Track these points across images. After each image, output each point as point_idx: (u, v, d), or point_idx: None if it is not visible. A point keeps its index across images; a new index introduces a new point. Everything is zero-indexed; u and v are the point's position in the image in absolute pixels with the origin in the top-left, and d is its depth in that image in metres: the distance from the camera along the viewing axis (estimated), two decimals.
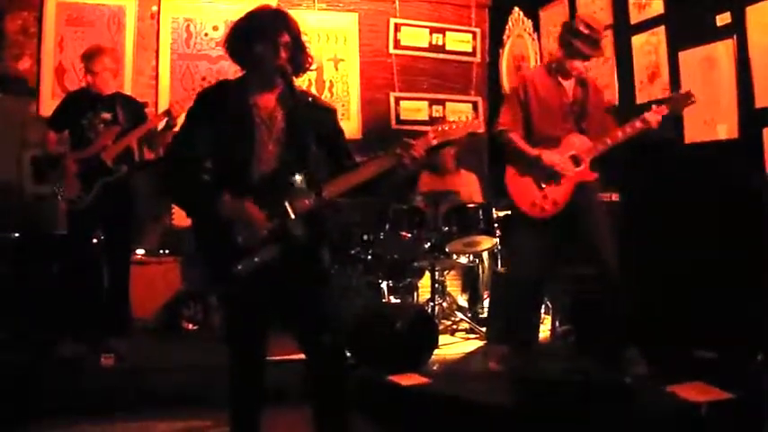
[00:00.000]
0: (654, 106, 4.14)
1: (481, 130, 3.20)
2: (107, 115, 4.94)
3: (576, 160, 4.14)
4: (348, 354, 4.32)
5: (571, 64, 4.20)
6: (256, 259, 2.73)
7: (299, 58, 2.88)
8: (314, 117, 2.89)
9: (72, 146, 4.95)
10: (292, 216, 2.77)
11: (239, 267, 2.72)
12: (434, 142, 2.91)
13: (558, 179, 4.13)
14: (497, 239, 5.60)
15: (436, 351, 4.63)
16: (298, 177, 2.81)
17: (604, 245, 4.13)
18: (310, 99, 2.95)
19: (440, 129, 2.92)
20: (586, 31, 4.13)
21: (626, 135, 4.09)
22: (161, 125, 5.08)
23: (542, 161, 4.12)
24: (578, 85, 4.28)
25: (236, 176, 2.79)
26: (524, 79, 4.38)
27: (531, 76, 4.36)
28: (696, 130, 4.80)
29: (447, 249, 5.53)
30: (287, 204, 2.77)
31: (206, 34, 6.66)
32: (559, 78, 4.26)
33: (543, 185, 4.16)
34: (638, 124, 4.08)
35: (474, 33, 7.53)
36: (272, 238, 2.74)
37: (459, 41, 7.51)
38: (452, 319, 5.72)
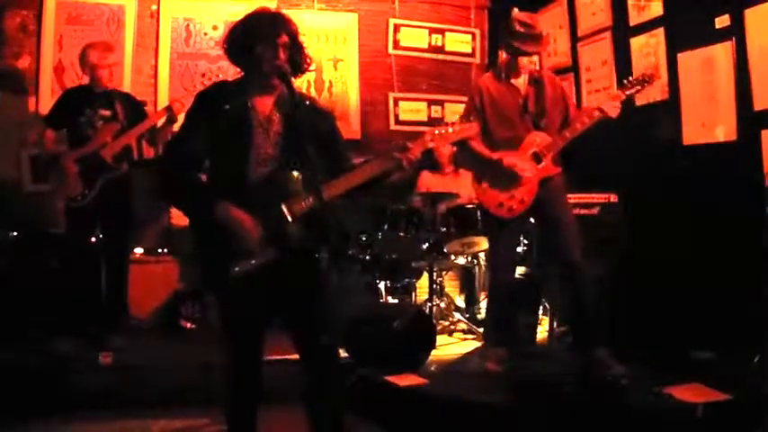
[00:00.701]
0: (610, 92, 4.14)
1: (475, 133, 3.23)
2: (106, 112, 4.95)
3: (537, 157, 4.16)
4: (346, 354, 4.34)
5: (518, 63, 4.23)
6: (253, 261, 2.74)
7: (298, 58, 2.89)
8: (311, 120, 2.89)
9: (70, 144, 4.95)
10: (289, 219, 2.78)
11: (236, 269, 2.73)
12: (431, 145, 2.93)
13: (520, 181, 4.15)
14: None
15: (434, 351, 4.62)
16: (295, 180, 2.82)
17: (570, 245, 4.13)
18: (308, 102, 2.96)
19: (436, 132, 2.94)
20: (522, 30, 4.17)
21: (585, 126, 4.09)
22: (161, 122, 5.09)
23: (503, 164, 4.15)
24: (531, 84, 4.29)
25: (232, 178, 2.80)
26: (478, 87, 4.41)
27: (483, 83, 4.40)
28: (694, 132, 4.81)
29: (445, 250, 5.54)
30: (283, 207, 2.78)
31: (205, 33, 6.66)
32: (511, 80, 4.28)
33: (509, 189, 4.18)
34: (595, 113, 4.08)
35: (473, 34, 7.53)
36: (268, 242, 2.75)
37: (459, 42, 7.51)
38: (450, 319, 5.72)
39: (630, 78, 4.23)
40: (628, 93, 4.16)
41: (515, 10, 4.36)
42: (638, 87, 4.18)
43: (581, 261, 4.09)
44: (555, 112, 4.27)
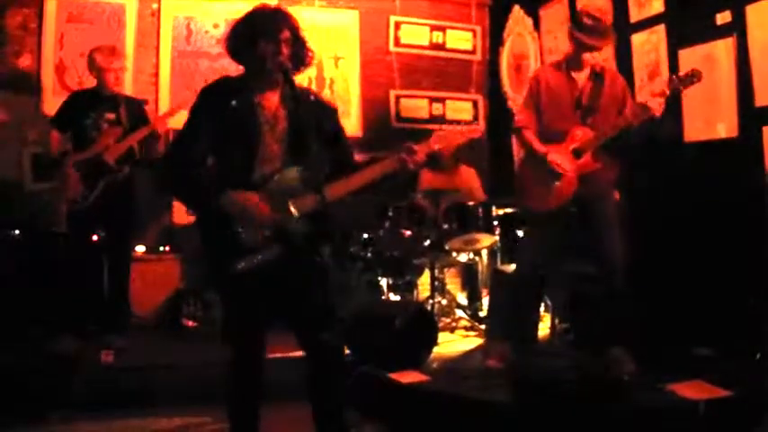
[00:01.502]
0: (653, 89, 4.06)
1: (480, 135, 3.24)
2: (110, 115, 5.02)
3: (577, 153, 4.12)
4: (348, 351, 4.34)
5: (582, 57, 4.18)
6: (258, 258, 2.74)
7: (300, 53, 2.89)
8: (317, 116, 2.91)
9: (74, 145, 5.00)
10: (295, 215, 2.78)
11: (240, 265, 2.73)
12: (436, 147, 2.94)
13: (560, 178, 4.13)
14: (497, 237, 5.61)
15: (436, 349, 4.63)
16: (300, 177, 2.82)
17: (611, 241, 4.11)
18: (313, 97, 2.97)
19: (441, 134, 2.95)
20: (590, 23, 4.11)
21: (627, 123, 3.98)
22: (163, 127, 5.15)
23: (547, 159, 4.12)
24: (591, 79, 4.21)
25: (238, 175, 2.80)
26: (536, 75, 4.40)
27: (542, 72, 4.38)
28: (696, 128, 4.80)
29: (447, 247, 5.55)
30: (290, 203, 2.78)
31: (206, 32, 6.66)
32: (571, 73, 4.23)
33: (549, 182, 4.16)
34: (638, 111, 3.96)
35: (474, 31, 7.54)
36: (273, 238, 2.75)
37: (460, 39, 7.51)
38: (452, 316, 5.72)
39: (678, 74, 4.04)
40: (672, 87, 3.97)
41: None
42: (688, 84, 3.95)
43: (621, 262, 4.09)
44: (612, 109, 4.19)
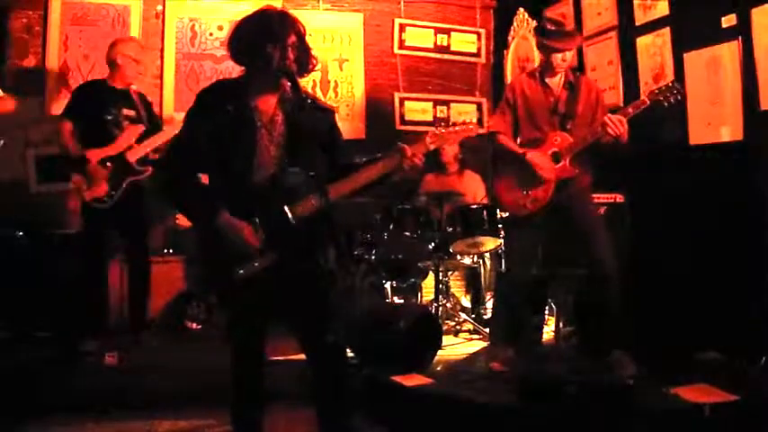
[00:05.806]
0: (635, 102, 4.10)
1: (480, 131, 3.24)
2: (130, 112, 4.96)
3: (555, 157, 4.18)
4: (352, 354, 4.34)
5: (552, 62, 4.25)
6: (256, 264, 2.74)
7: (304, 59, 2.87)
8: (313, 119, 2.89)
9: (92, 141, 4.85)
10: (292, 221, 2.77)
11: (239, 272, 2.73)
12: (431, 147, 2.93)
13: (540, 181, 4.17)
14: (501, 240, 5.60)
15: (440, 352, 4.62)
16: (298, 181, 2.81)
17: (597, 244, 4.13)
18: (309, 101, 2.94)
19: (437, 133, 2.95)
20: (553, 28, 4.22)
21: (605, 130, 4.06)
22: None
23: (527, 159, 4.18)
24: (567, 87, 4.31)
25: (236, 180, 2.79)
26: (512, 84, 4.51)
27: (518, 80, 4.48)
28: (700, 131, 4.79)
29: (451, 250, 5.54)
30: (286, 209, 2.77)
31: (211, 34, 6.66)
32: (546, 80, 4.32)
33: (526, 187, 4.21)
34: (618, 118, 4.01)
35: (479, 34, 7.53)
36: (271, 244, 2.75)
37: (464, 42, 7.51)
38: (456, 319, 5.71)
39: (660, 87, 4.09)
40: (652, 100, 4.05)
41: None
42: (666, 95, 4.03)
43: (610, 262, 4.09)
44: (585, 118, 4.26)
